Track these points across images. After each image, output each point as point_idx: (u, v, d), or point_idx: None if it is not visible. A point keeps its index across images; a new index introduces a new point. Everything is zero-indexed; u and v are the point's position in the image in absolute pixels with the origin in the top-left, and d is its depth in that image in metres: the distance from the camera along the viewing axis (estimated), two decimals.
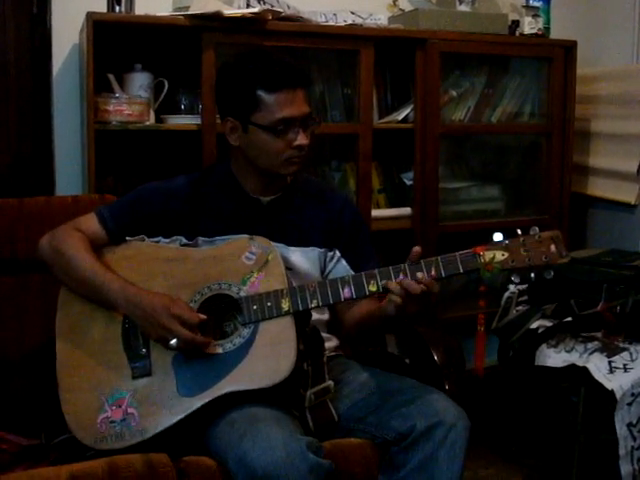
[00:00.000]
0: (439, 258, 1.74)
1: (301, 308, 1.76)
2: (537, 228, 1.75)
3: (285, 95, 1.84)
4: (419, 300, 1.71)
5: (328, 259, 2.02)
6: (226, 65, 1.97)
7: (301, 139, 1.87)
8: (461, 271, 1.73)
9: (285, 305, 1.75)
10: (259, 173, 1.94)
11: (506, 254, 1.73)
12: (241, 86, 1.87)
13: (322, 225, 2.01)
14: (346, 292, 1.77)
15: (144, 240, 1.91)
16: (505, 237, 1.75)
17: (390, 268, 1.76)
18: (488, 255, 1.73)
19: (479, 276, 1.75)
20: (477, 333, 1.86)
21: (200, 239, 1.91)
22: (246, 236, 1.85)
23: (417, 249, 1.74)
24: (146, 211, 1.93)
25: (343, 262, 2.01)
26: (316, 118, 1.93)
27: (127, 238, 1.91)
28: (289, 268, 1.87)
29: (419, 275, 1.71)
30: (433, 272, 1.73)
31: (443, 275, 1.74)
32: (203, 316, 1.75)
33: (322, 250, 2.00)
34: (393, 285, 1.72)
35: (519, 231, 1.76)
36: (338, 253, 2.02)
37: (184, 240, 1.91)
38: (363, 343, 2.26)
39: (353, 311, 1.97)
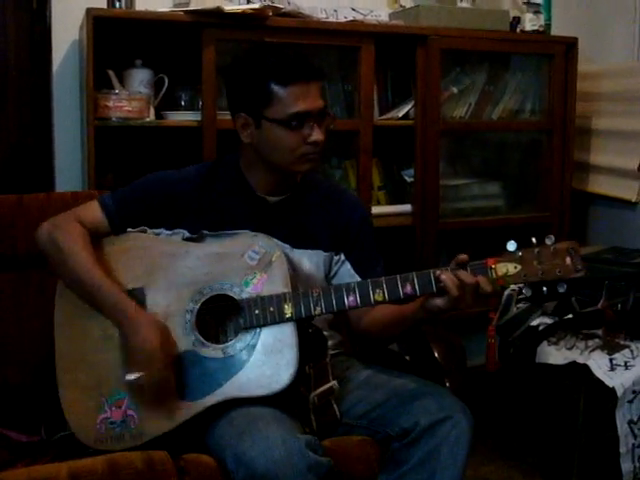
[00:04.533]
0: (447, 269, 1.72)
1: (304, 315, 1.73)
2: (553, 237, 1.69)
3: (299, 88, 1.79)
4: (474, 296, 1.68)
5: (334, 262, 1.99)
6: (237, 60, 1.91)
7: (316, 134, 1.81)
8: None
9: (288, 311, 1.72)
10: (271, 171, 1.89)
11: (519, 267, 1.68)
12: (253, 80, 1.82)
13: (329, 228, 1.96)
14: (351, 300, 1.74)
15: (145, 232, 1.87)
16: (518, 246, 1.69)
17: (398, 276, 1.73)
18: (500, 269, 1.69)
19: None
20: (488, 344, 1.83)
21: (205, 232, 1.85)
22: (250, 233, 1.81)
23: (464, 256, 1.71)
24: (151, 201, 1.88)
25: (347, 265, 1.98)
26: (331, 113, 1.88)
27: (128, 229, 1.87)
28: (293, 270, 1.83)
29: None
30: None
31: None
32: (172, 382, 1.70)
33: (327, 253, 1.96)
34: (449, 276, 1.68)
35: (534, 240, 1.70)
36: (343, 256, 1.99)
37: (187, 234, 1.86)
38: (383, 343, 2.23)
39: (375, 311, 1.91)
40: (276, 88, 1.79)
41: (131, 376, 1.67)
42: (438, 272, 1.71)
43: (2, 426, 1.90)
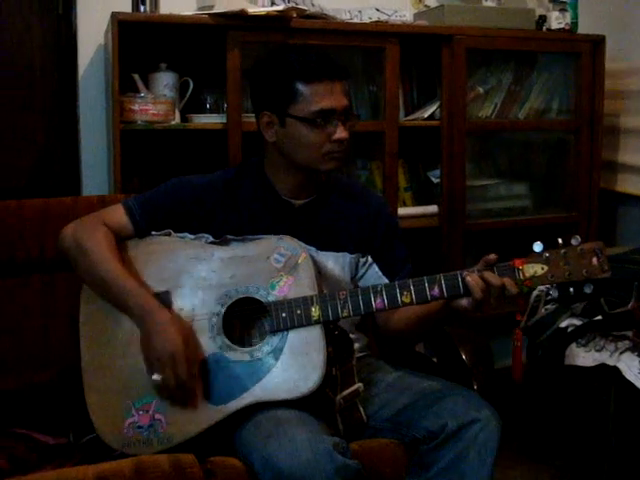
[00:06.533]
0: (474, 269, 1.72)
1: (331, 318, 1.73)
2: (579, 237, 1.70)
3: (324, 86, 1.79)
4: (500, 298, 1.69)
5: (360, 264, 1.98)
6: (262, 59, 1.92)
7: (341, 132, 1.81)
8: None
9: (315, 314, 1.72)
10: (296, 171, 1.88)
11: (545, 268, 1.68)
12: (278, 78, 1.82)
13: (355, 230, 1.96)
14: (378, 303, 1.74)
15: (170, 235, 1.87)
16: (545, 247, 1.69)
17: (425, 278, 1.73)
18: (528, 270, 1.69)
19: None
20: (514, 349, 1.82)
21: (229, 237, 1.85)
22: (275, 236, 1.81)
23: (493, 256, 1.71)
24: (176, 206, 1.88)
25: (375, 268, 1.97)
26: (356, 112, 1.88)
27: (152, 232, 1.87)
28: (318, 272, 1.83)
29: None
30: None
31: None
32: (198, 384, 1.70)
33: (354, 255, 1.96)
34: (475, 278, 1.68)
35: (560, 240, 1.70)
36: (370, 259, 1.98)
37: (210, 238, 1.86)
38: (410, 344, 2.24)
39: (401, 311, 1.90)
40: (301, 86, 1.80)
41: (155, 376, 1.67)
42: (465, 274, 1.70)
43: (29, 428, 1.91)
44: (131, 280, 1.76)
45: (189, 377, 1.68)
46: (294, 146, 1.84)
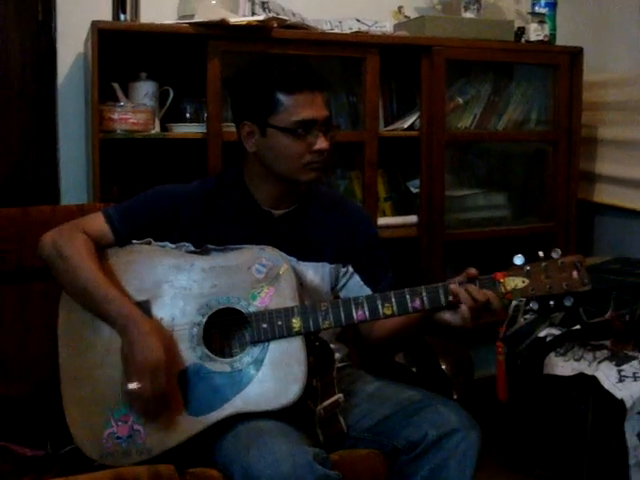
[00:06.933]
0: (455, 281, 1.73)
1: (312, 329, 1.73)
2: (559, 250, 1.72)
3: (304, 97, 1.80)
4: (483, 311, 1.70)
5: (341, 274, 1.98)
6: (243, 68, 1.92)
7: (321, 143, 1.81)
8: None
9: (296, 325, 1.72)
10: (276, 181, 1.88)
11: (527, 281, 1.70)
12: (259, 88, 1.83)
13: (335, 240, 1.96)
14: (360, 314, 1.74)
15: (150, 244, 1.86)
16: (526, 260, 1.71)
17: (406, 290, 1.74)
18: (509, 283, 1.70)
19: None
20: (497, 362, 1.83)
21: (209, 246, 1.84)
22: (256, 246, 1.81)
23: (474, 271, 1.72)
24: (156, 215, 1.87)
25: (357, 277, 1.98)
26: (336, 123, 1.89)
27: (133, 241, 1.86)
28: (300, 283, 1.83)
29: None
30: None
31: None
32: (178, 395, 1.69)
33: (333, 266, 1.96)
34: (462, 292, 1.69)
35: (541, 253, 1.72)
36: (351, 269, 1.98)
37: (191, 247, 1.86)
38: (391, 353, 2.23)
39: (384, 321, 1.89)
40: (282, 96, 1.80)
41: (133, 385, 1.65)
42: (450, 286, 1.71)
43: (6, 440, 1.88)
44: (112, 288, 1.74)
45: (167, 389, 1.67)
46: (274, 156, 1.84)
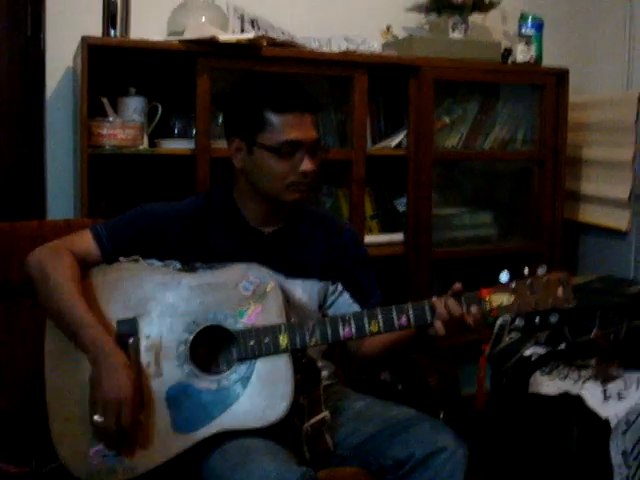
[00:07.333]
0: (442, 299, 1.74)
1: (299, 346, 1.72)
2: (545, 267, 1.72)
3: (293, 117, 1.80)
4: (460, 326, 1.71)
5: (329, 292, 1.99)
6: (236, 84, 1.92)
7: (306, 165, 1.81)
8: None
9: (283, 342, 1.71)
10: (262, 200, 1.88)
11: (512, 298, 1.70)
12: (249, 105, 1.83)
13: (324, 258, 1.96)
14: (346, 332, 1.74)
15: (138, 261, 1.85)
16: (511, 276, 1.71)
17: (393, 307, 1.74)
18: (495, 300, 1.71)
19: None
20: (477, 377, 1.83)
21: (198, 264, 1.83)
22: (243, 263, 1.80)
23: (458, 286, 1.73)
24: (144, 233, 1.87)
25: (346, 295, 1.98)
26: (325, 146, 1.88)
27: (120, 258, 1.85)
28: (287, 300, 1.82)
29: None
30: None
31: None
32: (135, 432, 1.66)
33: (322, 283, 1.96)
34: (439, 305, 1.71)
35: (526, 270, 1.72)
36: (340, 287, 1.98)
37: (178, 265, 1.85)
38: (378, 369, 2.25)
39: (374, 338, 1.89)
40: (270, 115, 1.80)
41: (97, 418, 1.63)
42: (432, 299, 1.73)
43: None
44: (89, 315, 1.70)
45: (131, 426, 1.64)
46: (259, 175, 1.85)
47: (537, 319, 1.71)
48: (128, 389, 1.63)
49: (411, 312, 1.73)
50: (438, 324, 1.70)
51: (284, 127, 1.80)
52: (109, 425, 1.62)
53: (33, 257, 1.82)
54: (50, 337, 1.80)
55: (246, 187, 1.90)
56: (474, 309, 1.70)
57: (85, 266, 1.83)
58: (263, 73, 1.92)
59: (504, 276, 1.72)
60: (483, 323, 1.72)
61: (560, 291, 1.70)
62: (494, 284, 1.74)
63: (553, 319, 1.70)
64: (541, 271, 1.72)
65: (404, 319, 1.73)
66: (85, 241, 1.86)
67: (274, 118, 1.80)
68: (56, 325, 1.76)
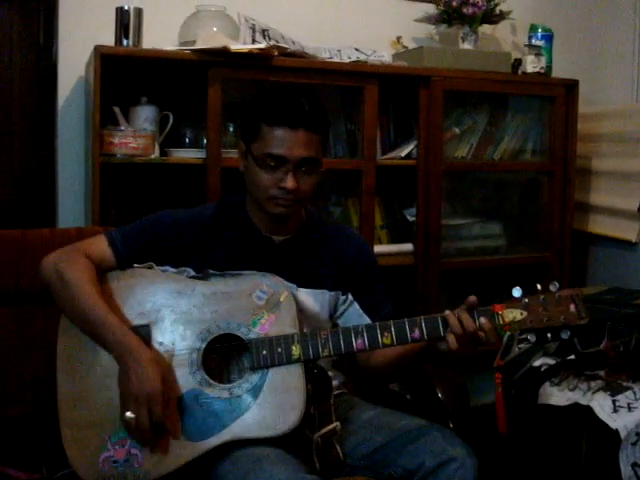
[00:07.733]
0: (455, 312, 1.73)
1: (312, 357, 1.73)
2: (557, 284, 1.72)
3: (282, 132, 1.79)
4: (473, 341, 1.71)
5: (340, 302, 1.99)
6: (258, 92, 1.96)
7: (288, 182, 1.80)
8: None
9: (296, 352, 1.72)
10: (259, 207, 1.90)
11: (525, 313, 1.70)
12: (250, 113, 1.87)
13: (335, 268, 1.96)
14: (359, 343, 1.74)
15: (152, 268, 1.86)
16: (524, 292, 1.72)
17: (406, 320, 1.75)
18: (507, 315, 1.71)
19: None
20: (496, 394, 1.82)
21: (210, 271, 1.84)
22: (257, 272, 1.81)
23: (473, 299, 1.72)
24: (158, 239, 1.88)
25: (356, 306, 1.98)
26: (316, 164, 1.85)
27: (134, 265, 1.86)
28: (299, 309, 1.83)
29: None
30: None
31: None
32: (175, 421, 1.68)
33: (333, 293, 1.96)
34: (452, 319, 1.70)
35: (539, 286, 1.72)
36: (351, 297, 1.99)
37: (192, 272, 1.86)
38: (388, 381, 2.25)
39: (385, 350, 1.88)
40: (264, 126, 1.82)
41: (129, 414, 1.64)
42: (446, 313, 1.73)
43: (2, 464, 1.87)
44: (112, 315, 1.73)
45: (164, 419, 1.65)
46: (249, 182, 1.88)
47: (549, 335, 1.72)
48: (157, 383, 1.65)
49: (424, 325, 1.73)
50: (451, 338, 1.70)
51: (271, 140, 1.81)
52: (141, 419, 1.64)
53: (48, 261, 1.84)
54: (62, 342, 1.81)
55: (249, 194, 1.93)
56: (487, 324, 1.70)
57: (99, 272, 1.84)
58: (279, 85, 1.93)
59: (517, 292, 1.73)
60: (495, 338, 1.72)
61: (572, 308, 1.70)
62: (504, 296, 1.74)
63: (564, 335, 1.70)
64: (553, 287, 1.73)
65: (417, 332, 1.74)
66: (100, 246, 1.87)
67: (266, 130, 1.82)
68: (79, 327, 1.77)
